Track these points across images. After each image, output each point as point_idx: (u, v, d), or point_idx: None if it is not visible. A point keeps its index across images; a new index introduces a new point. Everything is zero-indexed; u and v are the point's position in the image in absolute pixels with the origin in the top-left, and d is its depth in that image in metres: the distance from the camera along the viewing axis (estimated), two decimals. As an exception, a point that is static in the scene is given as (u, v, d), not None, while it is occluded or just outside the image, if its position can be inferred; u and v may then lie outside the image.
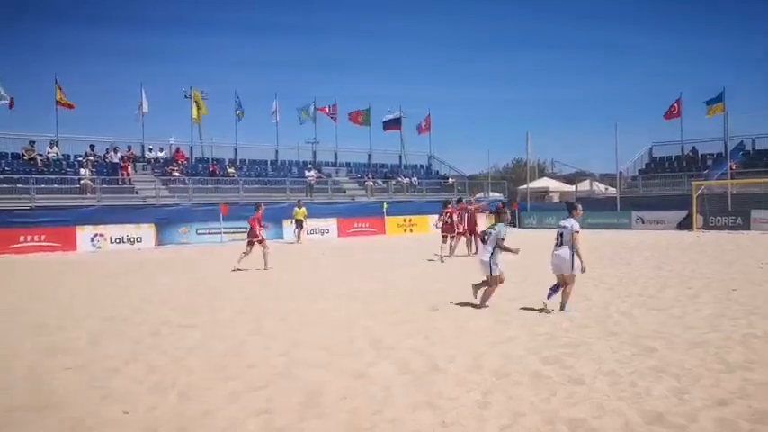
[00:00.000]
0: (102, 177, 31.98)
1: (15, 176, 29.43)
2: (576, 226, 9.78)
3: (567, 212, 10.16)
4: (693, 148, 43.56)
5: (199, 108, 38.76)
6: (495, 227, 10.38)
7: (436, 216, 37.62)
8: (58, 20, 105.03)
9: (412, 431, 5.02)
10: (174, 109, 79.10)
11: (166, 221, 30.69)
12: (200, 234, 31.11)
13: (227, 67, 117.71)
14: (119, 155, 34.19)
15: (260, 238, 18.00)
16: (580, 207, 10.24)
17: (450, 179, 45.93)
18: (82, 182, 30.96)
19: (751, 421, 5.00)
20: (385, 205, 36.85)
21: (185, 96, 41.08)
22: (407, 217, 38.35)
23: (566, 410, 5.32)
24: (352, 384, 6.27)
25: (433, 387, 6.09)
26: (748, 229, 31.79)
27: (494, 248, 10.24)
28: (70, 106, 33.90)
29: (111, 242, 28.47)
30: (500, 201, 26.85)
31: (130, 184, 33.18)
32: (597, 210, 39.78)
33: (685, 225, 34.33)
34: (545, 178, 57.39)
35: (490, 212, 21.78)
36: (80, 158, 33.27)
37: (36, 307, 11.82)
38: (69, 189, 30.76)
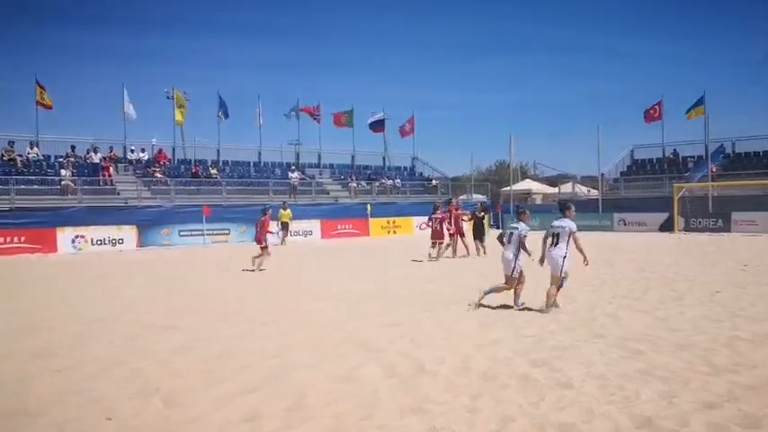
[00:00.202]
0: (84, 178, 31.65)
1: (-5, 177, 29.07)
2: (574, 226, 9.97)
3: (560, 213, 10.31)
4: (675, 150, 43.92)
5: (181, 109, 38.51)
6: (518, 226, 10.34)
7: (420, 218, 37.99)
8: (37, 19, 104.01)
9: (401, 436, 4.98)
10: (157, 110, 78.69)
11: (148, 223, 30.42)
12: (183, 236, 30.88)
13: (209, 68, 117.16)
14: (99, 155, 33.85)
15: (264, 244, 18.10)
16: (573, 207, 10.40)
17: (433, 181, 45.97)
18: (63, 183, 30.61)
19: (742, 425, 5.00)
20: (369, 207, 36.80)
21: (167, 97, 40.80)
22: (391, 218, 38.31)
23: (555, 415, 5.30)
24: (339, 388, 6.20)
25: (420, 390, 6.04)
26: (729, 231, 32.06)
27: (518, 247, 10.17)
28: (48, 107, 33.50)
29: (93, 244, 28.17)
30: (480, 202, 26.82)
31: (112, 185, 32.86)
32: (579, 211, 39.54)
33: (667, 227, 34.59)
34: (527, 180, 57.61)
35: (472, 214, 21.66)
36: (61, 159, 32.90)
37: (20, 309, 11.64)
38: (50, 190, 30.43)
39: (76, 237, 27.87)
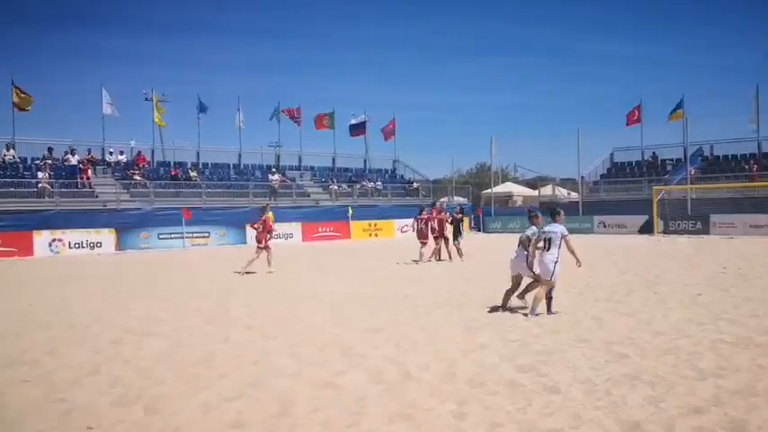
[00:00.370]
0: (61, 181, 31.28)
1: (-30, 180, 28.66)
2: (565, 230, 10.06)
3: (550, 218, 10.33)
4: (654, 153, 44.32)
5: (160, 113, 38.21)
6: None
7: (402, 221, 38.00)
8: (12, 19, 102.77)
9: (388, 444, 4.91)
10: (135, 112, 78.00)
11: (127, 226, 30.19)
12: (162, 239, 30.63)
13: (189, 69, 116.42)
14: (77, 158, 33.46)
15: (263, 244, 18.09)
16: (563, 213, 10.44)
17: (414, 183, 45.98)
18: (39, 185, 30.24)
19: (728, 430, 4.99)
20: (350, 210, 36.72)
21: (146, 99, 40.50)
22: (372, 221, 38.26)
23: (543, 421, 5.25)
24: (325, 394, 6.13)
25: (406, 397, 5.97)
26: (708, 233, 32.33)
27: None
28: (24, 108, 33.01)
29: (70, 247, 27.87)
30: (459, 206, 26.77)
31: (90, 187, 32.51)
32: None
33: (646, 229, 34.84)
34: (508, 183, 57.78)
35: (451, 217, 21.55)
36: (38, 161, 32.51)
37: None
38: (26, 193, 30.08)
39: (54, 240, 27.55)
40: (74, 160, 33.20)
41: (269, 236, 18.47)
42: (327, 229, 35.96)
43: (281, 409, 5.70)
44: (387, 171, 48.34)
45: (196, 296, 13.41)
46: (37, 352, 8.28)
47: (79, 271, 20.07)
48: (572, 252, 10.07)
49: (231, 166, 41.30)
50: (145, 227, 30.59)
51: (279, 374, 6.88)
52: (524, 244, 10.50)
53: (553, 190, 46.75)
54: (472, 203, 46.08)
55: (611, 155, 46.76)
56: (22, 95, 32.74)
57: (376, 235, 37.79)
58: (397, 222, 38.75)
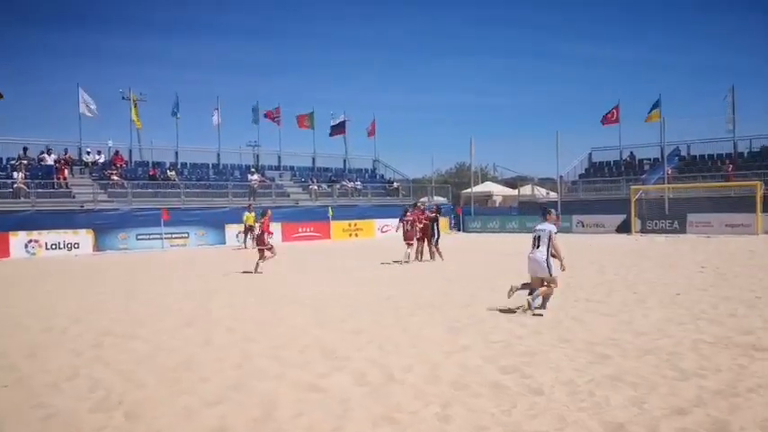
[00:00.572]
0: (37, 181, 30.88)
1: (-57, 180, 28.21)
2: (554, 229, 10.20)
3: (541, 217, 10.59)
4: (631, 153, 44.69)
5: (136, 113, 37.84)
6: (544, 226, 10.37)
7: (382, 220, 37.99)
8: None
9: (374, 448, 4.89)
10: (112, 111, 77.16)
11: (105, 227, 29.86)
12: (141, 240, 30.36)
13: (167, 68, 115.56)
14: (53, 157, 33.06)
15: (268, 245, 18.10)
16: (554, 212, 10.68)
17: (394, 183, 45.97)
18: (15, 186, 29.84)
19: (710, 431, 5.02)
20: (330, 210, 36.63)
21: (123, 98, 40.13)
22: (352, 221, 38.20)
23: (528, 423, 5.25)
24: (308, 397, 6.08)
25: (391, 400, 5.95)
26: (685, 232, 32.68)
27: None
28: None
29: (47, 248, 27.52)
30: (435, 205, 26.78)
31: (67, 188, 32.13)
32: (539, 214, 40.40)
33: (624, 229, 35.13)
34: (488, 182, 57.98)
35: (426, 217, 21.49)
36: (13, 161, 32.05)
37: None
38: (2, 193, 29.64)
39: (30, 241, 27.19)
40: (50, 160, 32.80)
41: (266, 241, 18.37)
42: (307, 230, 35.85)
43: (265, 413, 5.65)
44: (366, 171, 48.30)
45: (176, 297, 13.29)
46: (14, 356, 8.15)
47: (57, 272, 19.84)
48: (557, 252, 10.17)
49: (210, 166, 41.04)
50: (123, 227, 30.30)
51: (261, 377, 6.83)
52: (552, 242, 10.49)
53: (532, 190, 46.95)
54: (452, 203, 46.17)
55: (590, 155, 47.08)
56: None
57: (356, 235, 37.75)
58: (378, 222, 38.73)
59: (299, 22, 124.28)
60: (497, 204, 51.53)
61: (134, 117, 37.73)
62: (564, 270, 10.44)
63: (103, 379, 6.90)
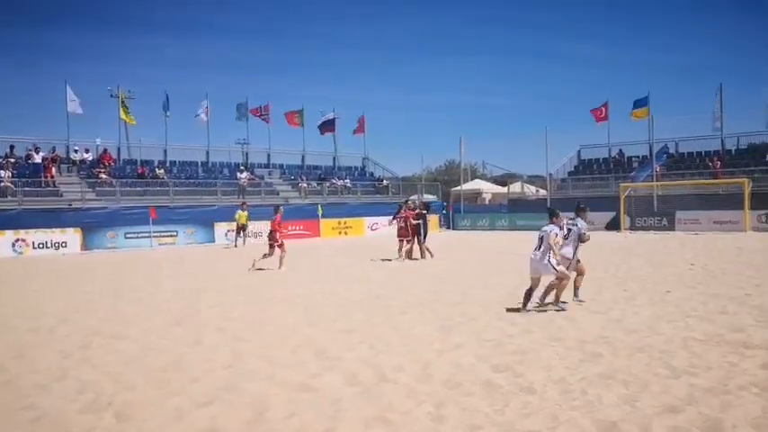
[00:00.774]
0: (24, 180, 30.64)
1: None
2: (557, 230, 10.21)
3: (548, 218, 10.58)
4: (620, 150, 44.82)
5: (126, 109, 37.62)
6: (577, 222, 10.43)
7: (372, 218, 37.93)
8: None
9: (366, 449, 4.85)
10: (100, 109, 76.77)
11: (93, 226, 29.66)
12: (129, 238, 30.18)
13: (155, 66, 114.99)
14: (41, 155, 32.81)
15: (279, 242, 18.20)
16: (560, 214, 10.64)
17: (384, 181, 45.93)
18: (2, 184, 29.59)
19: (703, 429, 5.02)
20: (320, 208, 36.53)
21: (111, 96, 39.84)
22: (342, 219, 38.12)
23: (521, 422, 5.24)
24: (299, 398, 6.04)
25: (383, 399, 5.92)
26: (673, 229, 32.81)
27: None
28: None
29: (34, 247, 27.30)
30: (422, 202, 26.66)
31: (54, 186, 31.90)
32: (528, 211, 40.55)
33: (613, 226, 35.23)
34: (477, 180, 58.07)
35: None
36: (0, 160, 31.78)
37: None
38: (-12, 192, 29.38)
39: (17, 240, 26.98)
40: (38, 158, 32.56)
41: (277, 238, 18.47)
42: (297, 228, 35.66)
43: (256, 414, 5.61)
44: (356, 169, 48.24)
45: (165, 296, 13.21)
46: (2, 357, 8.05)
47: (44, 272, 19.69)
48: (553, 252, 10.14)
49: (199, 164, 40.87)
50: (111, 226, 30.10)
51: (252, 378, 6.78)
52: (582, 239, 10.67)
53: (522, 187, 47.04)
54: (442, 201, 46.19)
55: (579, 152, 47.17)
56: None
57: (346, 233, 37.67)
58: (367, 220, 38.66)
59: (291, 21, 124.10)
60: (487, 202, 51.65)
61: (123, 115, 37.46)
62: (568, 268, 10.47)
63: (92, 380, 6.83)
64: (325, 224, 36.77)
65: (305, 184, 41.11)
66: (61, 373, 7.15)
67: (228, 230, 32.13)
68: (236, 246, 29.34)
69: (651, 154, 40.54)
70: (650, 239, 27.92)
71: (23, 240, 27.13)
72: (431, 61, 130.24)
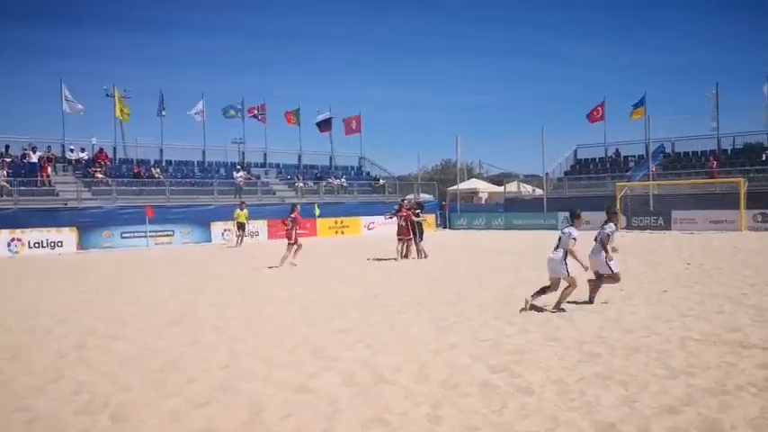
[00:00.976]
0: (20, 179, 30.54)
1: (-76, 178, 27.82)
2: (575, 233, 10.26)
3: (569, 219, 10.86)
4: (617, 150, 44.83)
5: (122, 108, 37.54)
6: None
7: (368, 218, 37.88)
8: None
9: (364, 450, 4.83)
10: (96, 109, 76.60)
11: (89, 225, 29.56)
12: (125, 238, 30.11)
13: (151, 65, 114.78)
14: (37, 155, 32.72)
15: (293, 240, 18.50)
16: (582, 217, 10.93)
17: (380, 180, 45.89)
18: (-3, 184, 29.52)
19: (702, 430, 5.00)
20: (316, 207, 36.45)
21: (107, 95, 39.77)
22: (339, 219, 38.07)
23: (519, 423, 5.22)
24: (296, 399, 6.01)
25: (380, 400, 5.89)
26: (669, 229, 32.83)
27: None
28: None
29: (30, 247, 27.22)
30: (416, 202, 26.61)
31: (50, 185, 31.81)
32: (525, 211, 40.63)
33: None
34: (473, 179, 58.07)
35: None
36: (-5, 159, 31.71)
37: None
38: (-17, 191, 29.28)
39: (12, 240, 26.88)
40: (34, 158, 32.44)
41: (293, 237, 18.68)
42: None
43: (252, 415, 5.58)
44: (353, 168, 48.19)
45: (162, 296, 13.17)
46: (-2, 357, 8.02)
47: (40, 271, 19.62)
48: (573, 255, 10.18)
49: (195, 163, 40.79)
50: (107, 226, 30.02)
51: (249, 378, 6.75)
52: (603, 242, 10.67)
53: (518, 186, 47.06)
54: (438, 200, 46.19)
55: (575, 152, 47.19)
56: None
57: (342, 232, 37.62)
58: (364, 220, 38.62)
59: (288, 20, 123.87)
60: (483, 201, 51.63)
61: (119, 114, 37.37)
62: (586, 270, 10.47)
63: (88, 381, 6.79)
64: (322, 223, 36.71)
65: (301, 184, 41.06)
66: (57, 374, 7.11)
67: (225, 230, 32.13)
68: (238, 245, 29.16)
69: (647, 153, 40.56)
70: (646, 239, 27.93)
71: (19, 240, 27.04)
72: (427, 60, 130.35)
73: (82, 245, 28.71)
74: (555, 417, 5.33)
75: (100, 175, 33.72)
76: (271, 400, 5.98)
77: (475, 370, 6.84)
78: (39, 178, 31.60)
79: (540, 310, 10.26)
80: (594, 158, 46.07)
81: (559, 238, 10.41)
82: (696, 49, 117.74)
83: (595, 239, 11.00)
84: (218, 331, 9.35)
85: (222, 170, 40.65)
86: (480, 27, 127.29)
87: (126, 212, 31.00)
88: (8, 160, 31.47)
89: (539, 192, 43.93)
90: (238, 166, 40.40)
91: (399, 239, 20.38)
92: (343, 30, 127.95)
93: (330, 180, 43.01)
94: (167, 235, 31.36)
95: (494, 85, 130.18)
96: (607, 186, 39.01)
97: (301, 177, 42.26)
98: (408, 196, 38.94)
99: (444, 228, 42.57)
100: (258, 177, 40.89)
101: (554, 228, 36.27)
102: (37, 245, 27.45)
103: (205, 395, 6.16)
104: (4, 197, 29.31)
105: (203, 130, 40.75)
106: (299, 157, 45.81)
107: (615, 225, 11.02)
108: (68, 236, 28.49)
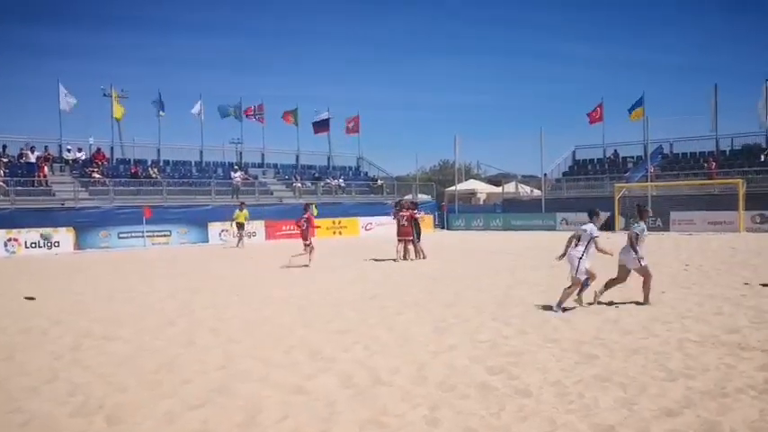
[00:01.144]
0: (17, 179, 30.47)
1: None
2: (596, 230, 10.43)
3: (589, 217, 10.75)
4: (615, 151, 44.83)
5: (119, 106, 37.48)
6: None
7: (366, 218, 37.84)
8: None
9: (360, 452, 4.79)
10: (93, 108, 76.49)
11: (86, 225, 29.51)
12: (123, 238, 30.04)
13: (148, 65, 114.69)
14: (35, 155, 32.66)
15: (308, 241, 18.71)
16: (601, 214, 11.07)
17: (378, 181, 45.85)
18: (-6, 183, 29.45)
19: (701, 432, 4.97)
20: (314, 207, 36.32)
21: (104, 95, 39.70)
22: (336, 219, 37.99)
23: (517, 426, 5.18)
24: (292, 400, 5.97)
25: (377, 402, 5.85)
26: (668, 230, 32.80)
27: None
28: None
29: (27, 246, 27.15)
30: (411, 202, 26.53)
31: (47, 185, 31.75)
32: (523, 211, 40.59)
33: (608, 227, 35.16)
34: (471, 180, 58.02)
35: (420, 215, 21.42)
36: (-8, 159, 31.63)
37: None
38: (-20, 191, 29.21)
39: (9, 239, 26.82)
40: (32, 157, 32.39)
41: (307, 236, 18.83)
42: (291, 228, 35.48)
43: (248, 417, 5.54)
44: (351, 168, 48.15)
45: (159, 296, 13.12)
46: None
47: (36, 271, 19.55)
48: (601, 250, 10.42)
49: (193, 163, 40.73)
50: (104, 226, 29.95)
51: (245, 379, 6.71)
52: (632, 240, 10.69)
53: (516, 187, 47.03)
54: (436, 201, 46.15)
55: (574, 152, 47.20)
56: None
57: (340, 233, 37.54)
58: (362, 220, 38.56)
59: (286, 20, 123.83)
60: (481, 202, 51.58)
61: (116, 113, 37.29)
62: (611, 256, 10.61)
63: (83, 383, 6.73)
64: (320, 224, 36.51)
65: (299, 184, 41.02)
66: (51, 375, 7.05)
67: (222, 230, 32.09)
68: (239, 245, 28.98)
69: (646, 154, 40.56)
70: (645, 240, 27.84)
71: (16, 240, 26.97)
72: (425, 60, 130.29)
73: (79, 245, 28.64)
74: (553, 419, 5.29)
75: (97, 175, 33.66)
76: (267, 401, 5.94)
77: (473, 372, 6.80)
78: (36, 178, 31.51)
79: (609, 304, 10.63)
80: (593, 159, 46.08)
81: (578, 237, 10.48)
82: (695, 51, 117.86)
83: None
84: (216, 332, 9.31)
85: (220, 170, 40.59)
86: (480, 27, 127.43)
87: (123, 212, 30.97)
88: (5, 160, 31.39)
89: (537, 192, 43.89)
90: (236, 167, 40.35)
91: (400, 240, 20.29)
92: (343, 30, 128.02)
93: (328, 180, 42.97)
94: (164, 235, 31.30)
95: (493, 86, 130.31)
96: (605, 187, 39.01)
97: (299, 178, 42.21)
98: (406, 197, 38.89)
99: (442, 228, 42.54)
100: (256, 177, 40.83)
101: (552, 229, 36.38)
102: (33, 245, 27.38)
103: (201, 396, 6.12)
104: (1, 197, 29.24)
105: (201, 131, 40.73)
106: (297, 157, 45.77)
107: (646, 223, 11.01)
108: (65, 236, 28.40)
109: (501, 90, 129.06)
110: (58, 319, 10.75)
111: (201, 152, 41.29)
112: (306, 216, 18.83)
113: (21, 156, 32.57)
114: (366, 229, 38.04)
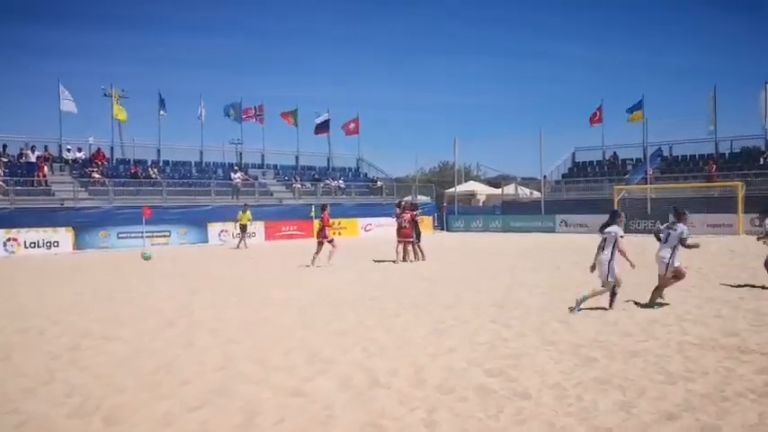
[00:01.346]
0: (16, 178, 30.45)
1: None
2: (620, 231, 10.47)
3: (610, 219, 10.81)
4: (614, 153, 44.83)
5: (119, 107, 37.45)
6: (677, 226, 10.61)
7: (365, 219, 37.84)
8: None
9: (359, 455, 4.77)
10: (93, 108, 76.37)
11: (86, 225, 29.49)
12: (122, 238, 30.02)
13: (149, 65, 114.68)
14: (36, 154, 32.64)
15: (330, 238, 19.21)
16: (623, 215, 11.13)
17: (378, 182, 45.84)
18: (-6, 183, 29.43)
19: (700, 436, 4.96)
20: (312, 208, 36.36)
21: (105, 95, 39.69)
22: (336, 220, 37.80)
23: (516, 428, 5.17)
24: (291, 403, 5.96)
25: (376, 405, 5.83)
26: (667, 232, 32.73)
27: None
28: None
29: (26, 246, 27.13)
30: (409, 203, 26.44)
31: (47, 185, 31.72)
32: (522, 213, 40.58)
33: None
34: (471, 181, 58.04)
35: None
36: (-8, 159, 31.60)
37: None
38: (-21, 191, 29.18)
39: (8, 239, 26.81)
40: (32, 157, 32.37)
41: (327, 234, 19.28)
42: (291, 228, 35.61)
43: (247, 419, 5.52)
44: (350, 169, 48.12)
45: (158, 297, 13.10)
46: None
47: (35, 271, 19.54)
48: (623, 253, 10.43)
49: (193, 164, 40.71)
50: (104, 226, 29.94)
51: (244, 381, 6.69)
52: (683, 243, 10.71)
53: (516, 189, 47.02)
54: (436, 202, 46.15)
55: (573, 154, 47.20)
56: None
57: (339, 234, 37.30)
58: (361, 221, 38.55)
59: (286, 20, 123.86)
60: (481, 204, 51.59)
61: (116, 113, 37.26)
62: (633, 268, 10.63)
63: (81, 384, 6.72)
64: (319, 225, 36.50)
65: (299, 185, 41.00)
66: (49, 376, 7.04)
67: (222, 231, 32.10)
68: (242, 246, 28.92)
69: (645, 157, 40.54)
70: (643, 242, 27.84)
71: (15, 240, 26.96)
72: (425, 61, 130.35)
73: (78, 245, 28.63)
74: (552, 422, 5.27)
75: (97, 176, 33.64)
76: (266, 403, 5.93)
77: (471, 374, 6.78)
78: (35, 178, 31.49)
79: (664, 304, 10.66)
80: (592, 161, 46.08)
81: (604, 240, 10.56)
82: (694, 53, 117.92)
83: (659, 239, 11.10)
84: (215, 333, 9.29)
85: (220, 171, 40.57)
86: (480, 27, 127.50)
87: (123, 213, 30.94)
88: (5, 160, 31.37)
89: (536, 194, 43.88)
90: (236, 167, 40.34)
91: (400, 241, 20.26)
92: (343, 30, 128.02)
93: (328, 181, 42.95)
94: (164, 235, 31.29)
95: (492, 86, 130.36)
96: (605, 190, 39.02)
97: (299, 178, 42.19)
98: (406, 198, 38.86)
99: (442, 230, 42.53)
100: (256, 178, 40.81)
101: (551, 230, 36.38)
102: (33, 245, 27.36)
103: (199, 398, 6.10)
104: (0, 196, 29.20)
105: (201, 131, 40.74)
106: (297, 158, 45.75)
107: (686, 225, 10.97)
108: (65, 236, 28.41)
109: (501, 91, 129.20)
110: (56, 319, 10.74)
111: (201, 152, 41.28)
112: (321, 216, 19.53)
113: (21, 155, 32.56)
114: (365, 231, 38.03)
